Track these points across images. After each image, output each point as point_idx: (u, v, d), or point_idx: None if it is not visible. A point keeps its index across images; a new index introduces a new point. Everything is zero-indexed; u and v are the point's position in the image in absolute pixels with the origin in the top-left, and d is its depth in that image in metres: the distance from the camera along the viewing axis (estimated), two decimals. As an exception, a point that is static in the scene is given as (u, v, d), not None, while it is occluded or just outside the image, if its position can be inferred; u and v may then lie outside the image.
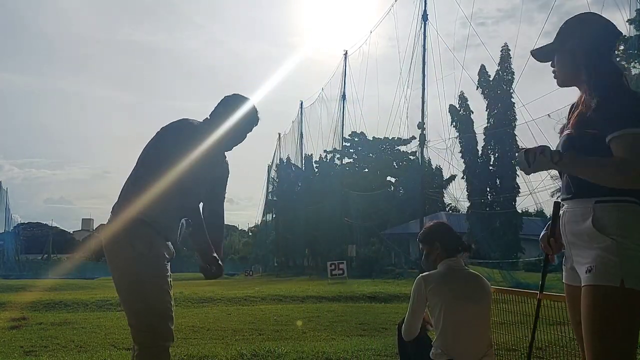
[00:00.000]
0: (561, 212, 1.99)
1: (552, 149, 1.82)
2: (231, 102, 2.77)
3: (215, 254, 2.62)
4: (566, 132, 1.95)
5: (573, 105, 2.01)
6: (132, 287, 2.53)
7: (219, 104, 2.79)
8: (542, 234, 2.14)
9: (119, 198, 2.64)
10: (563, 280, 2.05)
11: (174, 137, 2.61)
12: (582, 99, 1.92)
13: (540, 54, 2.06)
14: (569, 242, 1.94)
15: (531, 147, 1.84)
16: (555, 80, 2.03)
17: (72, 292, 16.27)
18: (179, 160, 2.52)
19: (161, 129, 2.71)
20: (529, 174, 1.87)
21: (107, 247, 2.57)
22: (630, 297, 1.68)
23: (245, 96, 2.82)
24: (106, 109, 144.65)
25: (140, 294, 2.51)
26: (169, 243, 2.67)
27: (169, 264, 2.66)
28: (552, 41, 2.02)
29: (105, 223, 2.65)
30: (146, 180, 2.55)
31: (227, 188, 2.93)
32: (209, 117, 2.77)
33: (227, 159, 2.90)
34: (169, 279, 2.62)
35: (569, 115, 2.01)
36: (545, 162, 1.79)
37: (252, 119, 2.79)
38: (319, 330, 7.03)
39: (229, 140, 2.76)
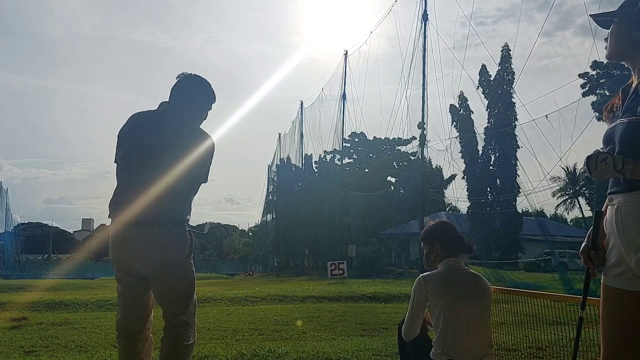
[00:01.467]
0: (613, 208, 1.73)
1: (614, 155, 1.65)
2: (192, 81, 2.89)
3: None
4: (627, 118, 1.71)
5: (625, 86, 1.82)
6: (189, 287, 2.71)
7: (181, 88, 2.87)
8: (582, 246, 1.85)
9: (128, 202, 2.63)
10: (610, 284, 1.75)
11: (165, 135, 2.71)
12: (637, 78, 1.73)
13: (599, 21, 1.89)
14: (627, 241, 1.66)
15: (593, 154, 1.69)
16: (605, 51, 1.84)
17: (72, 292, 16.27)
18: (180, 156, 2.64)
19: (140, 125, 2.78)
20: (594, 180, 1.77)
21: (151, 248, 2.61)
22: None
23: (200, 76, 2.93)
24: (106, 108, 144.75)
25: (192, 292, 2.73)
26: None
27: None
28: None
29: (120, 227, 2.66)
30: (171, 182, 2.63)
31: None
32: (171, 102, 2.85)
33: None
34: None
35: (621, 96, 1.80)
36: (608, 171, 1.65)
37: (212, 95, 2.94)
38: (319, 330, 7.03)
39: (197, 119, 2.89)
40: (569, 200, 46.34)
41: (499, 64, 30.74)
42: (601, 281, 1.78)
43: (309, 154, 43.37)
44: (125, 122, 2.84)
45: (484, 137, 31.40)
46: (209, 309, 10.06)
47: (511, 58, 30.98)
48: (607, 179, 1.71)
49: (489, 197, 31.16)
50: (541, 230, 28.71)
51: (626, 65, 1.85)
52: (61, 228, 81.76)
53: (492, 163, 31.79)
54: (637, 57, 1.76)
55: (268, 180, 51.17)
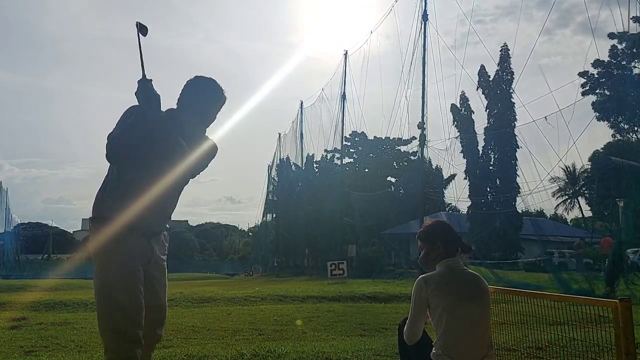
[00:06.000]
0: None
1: None
2: (194, 85, 2.80)
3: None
4: None
5: None
6: (102, 288, 2.47)
7: (182, 90, 2.81)
8: None
9: (94, 202, 2.65)
10: None
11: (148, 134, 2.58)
12: None
13: None
14: None
15: None
16: None
17: (72, 292, 16.26)
18: (154, 156, 2.54)
19: None
20: None
21: (90, 251, 2.57)
22: None
23: (207, 76, 2.84)
24: (106, 108, 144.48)
25: (109, 294, 2.44)
26: (151, 242, 2.63)
27: (143, 267, 2.58)
28: None
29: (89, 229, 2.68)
30: (121, 182, 2.56)
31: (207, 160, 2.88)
32: (175, 106, 2.80)
33: (206, 135, 2.86)
34: (140, 280, 2.53)
35: None
36: None
37: (218, 97, 2.83)
38: (319, 330, 7.04)
39: (201, 124, 2.81)
40: (569, 201, 46.39)
41: (498, 64, 30.71)
42: None
43: (309, 154, 43.41)
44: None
45: (484, 137, 31.40)
46: (208, 309, 10.05)
47: (510, 58, 30.95)
48: None
49: (489, 197, 31.16)
50: (541, 230, 28.73)
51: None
52: (61, 228, 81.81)
53: (492, 163, 31.80)
54: None
55: (268, 180, 51.23)
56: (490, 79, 31.22)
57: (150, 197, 2.55)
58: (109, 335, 2.43)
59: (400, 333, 2.95)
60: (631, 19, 18.67)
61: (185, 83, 2.83)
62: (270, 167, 51.56)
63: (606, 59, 32.08)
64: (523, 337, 3.45)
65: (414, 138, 33.06)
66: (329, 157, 42.98)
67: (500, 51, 31.35)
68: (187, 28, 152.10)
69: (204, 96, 2.78)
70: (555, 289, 13.14)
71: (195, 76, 2.85)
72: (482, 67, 31.24)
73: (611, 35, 31.02)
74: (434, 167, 36.65)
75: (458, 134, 30.54)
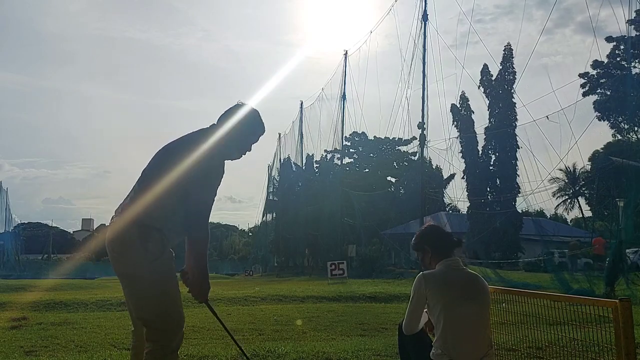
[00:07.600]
0: None
1: None
2: (237, 113, 2.85)
3: (208, 282, 2.82)
4: None
5: None
6: (153, 288, 2.63)
7: (226, 113, 2.86)
8: None
9: (128, 203, 2.71)
10: None
11: (183, 151, 2.70)
12: None
13: None
14: None
15: None
16: None
17: (72, 292, 16.25)
18: (187, 171, 2.63)
19: (170, 142, 2.83)
20: None
21: (116, 248, 2.64)
22: None
23: (252, 106, 2.90)
24: (105, 108, 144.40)
25: (162, 294, 2.64)
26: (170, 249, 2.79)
27: None
28: None
29: (109, 224, 2.73)
30: (155, 190, 2.65)
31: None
32: (215, 125, 2.85)
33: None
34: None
35: None
36: None
37: (257, 130, 2.90)
38: (319, 330, 7.04)
39: (235, 152, 2.88)
40: (569, 201, 46.41)
41: (501, 63, 30.67)
42: None
43: (309, 154, 43.39)
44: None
45: (484, 137, 31.40)
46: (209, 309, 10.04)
47: (513, 58, 30.96)
48: None
49: (488, 197, 31.17)
50: (541, 230, 28.72)
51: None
52: (61, 228, 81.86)
53: (492, 163, 31.79)
54: None
55: (268, 180, 51.20)
56: (492, 79, 31.21)
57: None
58: (161, 332, 2.60)
59: (400, 332, 2.96)
60: (627, 22, 18.68)
61: (240, 114, 2.84)
62: (270, 167, 51.56)
63: (605, 59, 32.10)
64: (523, 337, 3.45)
65: (414, 138, 32.98)
66: (329, 157, 42.98)
67: (504, 51, 31.35)
68: (186, 27, 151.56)
69: (254, 139, 2.89)
70: (555, 289, 13.13)
71: (253, 114, 2.87)
72: (485, 65, 31.27)
73: (609, 39, 31.05)
74: (434, 167, 36.65)
75: (458, 134, 30.55)
